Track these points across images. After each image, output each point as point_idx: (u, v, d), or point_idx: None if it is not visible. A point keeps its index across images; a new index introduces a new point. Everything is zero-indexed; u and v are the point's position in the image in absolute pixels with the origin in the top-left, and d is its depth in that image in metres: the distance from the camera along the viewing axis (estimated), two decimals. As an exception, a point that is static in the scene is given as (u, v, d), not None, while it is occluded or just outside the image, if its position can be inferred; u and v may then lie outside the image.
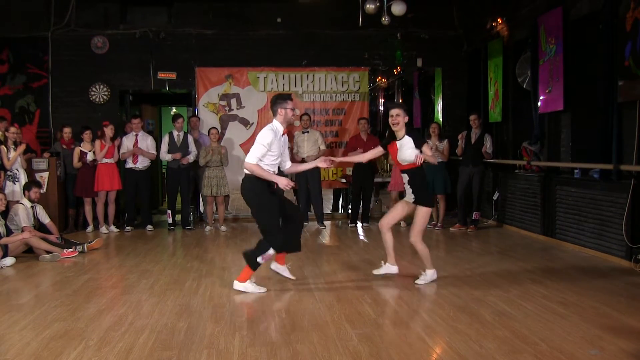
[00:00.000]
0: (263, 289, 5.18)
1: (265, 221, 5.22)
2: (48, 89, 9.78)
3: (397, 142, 5.27)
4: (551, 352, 3.60)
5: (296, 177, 9.31)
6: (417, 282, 5.39)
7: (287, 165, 5.47)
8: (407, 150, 5.19)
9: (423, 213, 5.31)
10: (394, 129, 5.26)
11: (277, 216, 5.25)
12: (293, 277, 5.55)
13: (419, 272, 5.52)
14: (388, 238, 5.55)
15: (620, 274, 5.70)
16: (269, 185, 5.16)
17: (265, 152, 5.08)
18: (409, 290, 5.18)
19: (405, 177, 5.34)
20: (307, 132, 9.13)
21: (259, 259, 5.11)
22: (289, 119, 5.29)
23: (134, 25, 9.90)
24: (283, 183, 5.09)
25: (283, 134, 5.27)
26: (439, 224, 8.87)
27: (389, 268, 5.62)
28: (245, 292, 5.14)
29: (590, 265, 6.14)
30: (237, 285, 5.18)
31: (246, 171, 5.19)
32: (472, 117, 8.66)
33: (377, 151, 5.67)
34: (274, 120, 5.25)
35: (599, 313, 4.42)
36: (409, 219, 9.20)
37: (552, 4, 7.45)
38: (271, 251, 5.14)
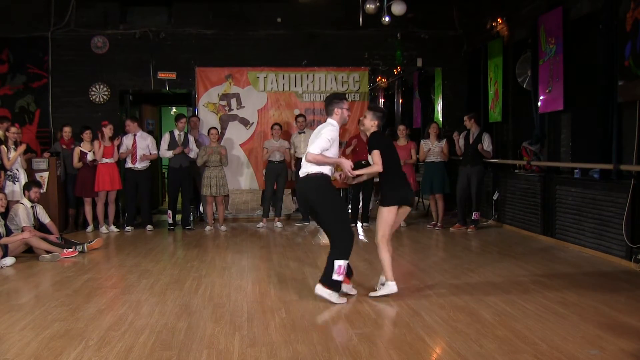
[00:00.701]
0: (344, 300, 4.83)
1: (335, 219, 4.93)
2: (48, 89, 9.79)
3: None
4: (551, 352, 3.60)
5: (295, 178, 9.31)
6: (370, 293, 5.00)
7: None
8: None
9: (381, 213, 5.00)
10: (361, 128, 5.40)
11: (343, 209, 5.14)
12: (354, 291, 5.14)
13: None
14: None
15: (620, 274, 5.70)
16: (330, 181, 5.05)
17: (328, 146, 4.90)
18: (409, 290, 5.17)
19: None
20: (304, 132, 9.18)
21: (334, 277, 4.77)
22: (344, 119, 5.18)
23: (134, 25, 9.90)
24: (347, 166, 4.96)
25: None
26: (438, 224, 8.87)
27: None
28: (326, 299, 4.80)
29: (590, 265, 6.14)
30: (321, 290, 4.83)
31: (306, 171, 4.99)
32: (465, 118, 8.71)
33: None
34: (329, 119, 5.12)
35: (599, 313, 4.42)
36: (408, 219, 9.28)
37: (552, 4, 7.45)
38: (342, 262, 4.78)
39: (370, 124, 5.19)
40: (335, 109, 5.13)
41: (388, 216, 4.97)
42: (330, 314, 4.48)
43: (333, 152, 4.99)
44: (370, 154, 4.99)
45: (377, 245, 4.99)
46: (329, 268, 4.80)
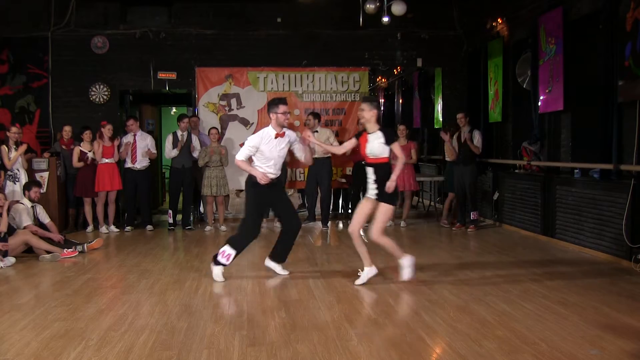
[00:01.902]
0: (222, 280, 5.53)
1: (246, 212, 5.60)
2: (48, 89, 9.78)
3: (368, 135, 5.30)
4: (551, 352, 3.60)
5: (307, 177, 9.33)
6: (401, 278, 5.31)
7: (304, 157, 5.69)
8: (375, 144, 5.21)
9: (385, 210, 5.26)
10: (361, 121, 5.44)
11: (258, 211, 5.56)
12: (286, 272, 5.78)
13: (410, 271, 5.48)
14: (359, 244, 5.40)
15: (620, 274, 5.69)
16: (256, 181, 5.41)
17: (250, 152, 5.41)
18: (409, 290, 5.17)
19: (370, 171, 5.29)
20: (317, 131, 9.04)
21: (219, 258, 5.48)
22: (281, 123, 5.44)
23: (134, 25, 9.90)
24: (258, 176, 5.33)
25: (276, 137, 5.42)
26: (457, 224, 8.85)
27: (370, 272, 5.44)
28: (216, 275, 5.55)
29: (590, 265, 6.13)
30: (212, 266, 5.58)
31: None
32: (459, 116, 8.70)
33: (352, 142, 5.56)
34: (270, 124, 5.49)
35: (599, 313, 4.42)
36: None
37: (552, 4, 7.45)
38: (230, 250, 5.44)
39: (370, 114, 5.23)
40: (271, 115, 5.48)
41: (390, 213, 5.32)
42: (330, 314, 4.47)
43: (267, 155, 5.38)
44: (391, 146, 5.18)
45: (377, 241, 5.33)
46: (222, 246, 5.50)
